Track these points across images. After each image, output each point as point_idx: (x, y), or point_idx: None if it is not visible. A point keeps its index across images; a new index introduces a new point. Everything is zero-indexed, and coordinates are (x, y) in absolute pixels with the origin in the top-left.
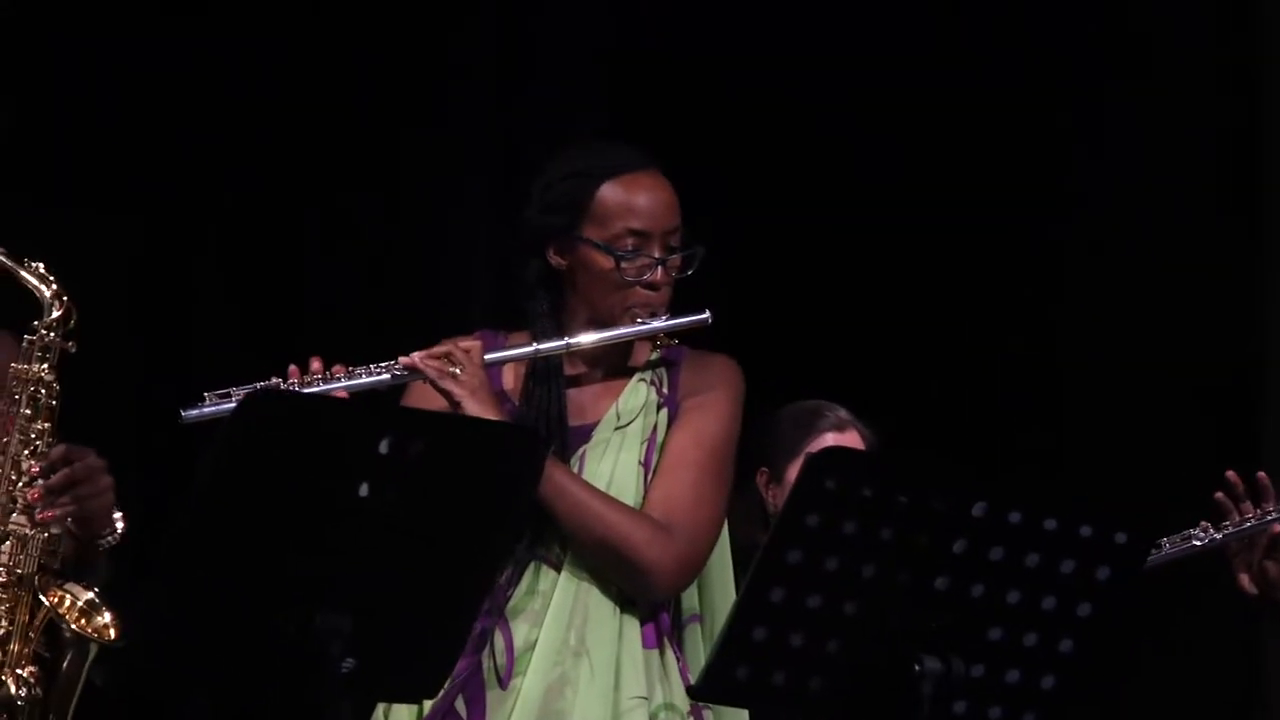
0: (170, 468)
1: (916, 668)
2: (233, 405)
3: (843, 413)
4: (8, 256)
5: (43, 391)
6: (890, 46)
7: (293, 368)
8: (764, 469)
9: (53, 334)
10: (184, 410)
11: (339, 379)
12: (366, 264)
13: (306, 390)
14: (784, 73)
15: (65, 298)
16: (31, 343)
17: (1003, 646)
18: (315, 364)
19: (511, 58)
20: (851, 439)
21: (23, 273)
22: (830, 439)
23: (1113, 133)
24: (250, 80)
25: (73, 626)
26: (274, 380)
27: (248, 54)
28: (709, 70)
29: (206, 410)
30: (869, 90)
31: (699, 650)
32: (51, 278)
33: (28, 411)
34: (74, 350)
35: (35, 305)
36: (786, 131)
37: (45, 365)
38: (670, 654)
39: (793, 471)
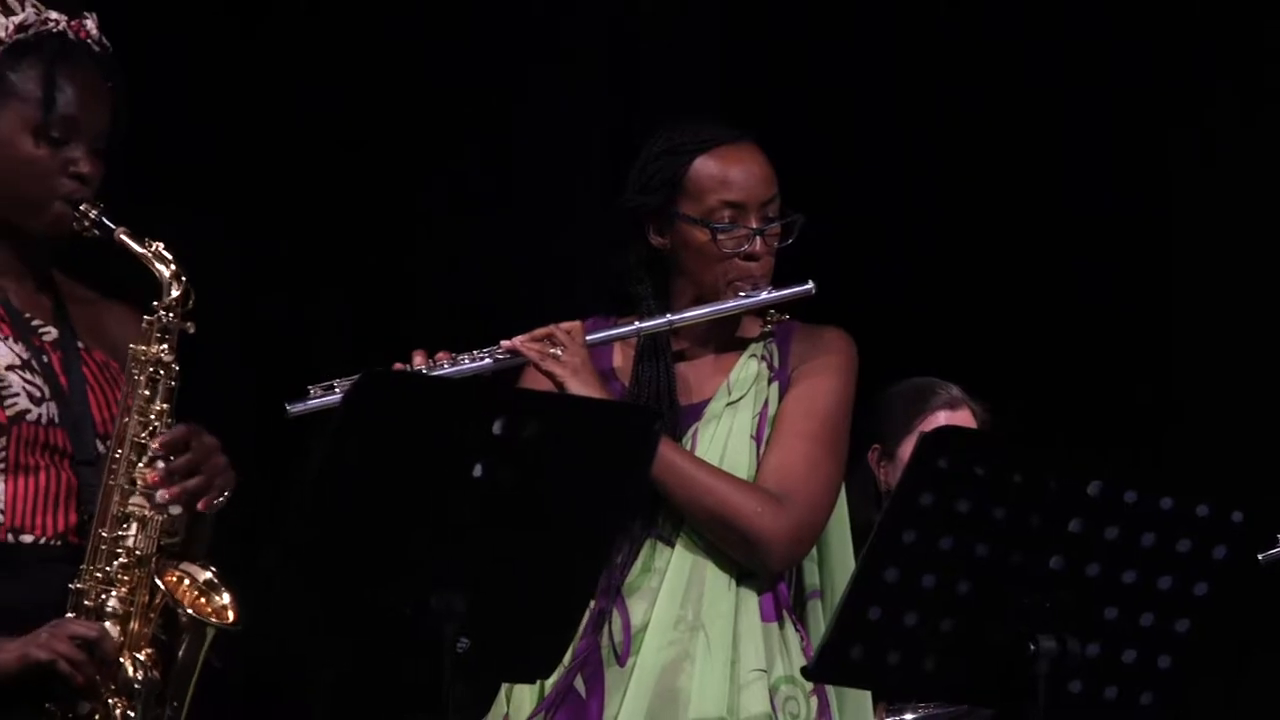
0: (278, 461)
1: (1032, 647)
2: (338, 397)
3: (955, 390)
4: (129, 236)
5: (161, 372)
6: (997, 28)
7: (397, 365)
8: (876, 446)
9: (172, 315)
10: (290, 404)
11: (443, 365)
12: (476, 250)
13: None
14: (897, 45)
15: (184, 278)
16: (150, 323)
17: (1119, 626)
18: (418, 359)
19: (622, 36)
20: (964, 417)
21: (143, 253)
22: (943, 417)
23: (1222, 110)
24: (358, 63)
25: (189, 611)
26: (378, 370)
27: (357, 34)
28: (818, 44)
29: (312, 403)
30: (980, 67)
31: (820, 626)
32: (170, 258)
33: (146, 392)
34: (192, 331)
35: (155, 285)
36: (898, 103)
37: (164, 346)
38: (790, 627)
39: (905, 448)
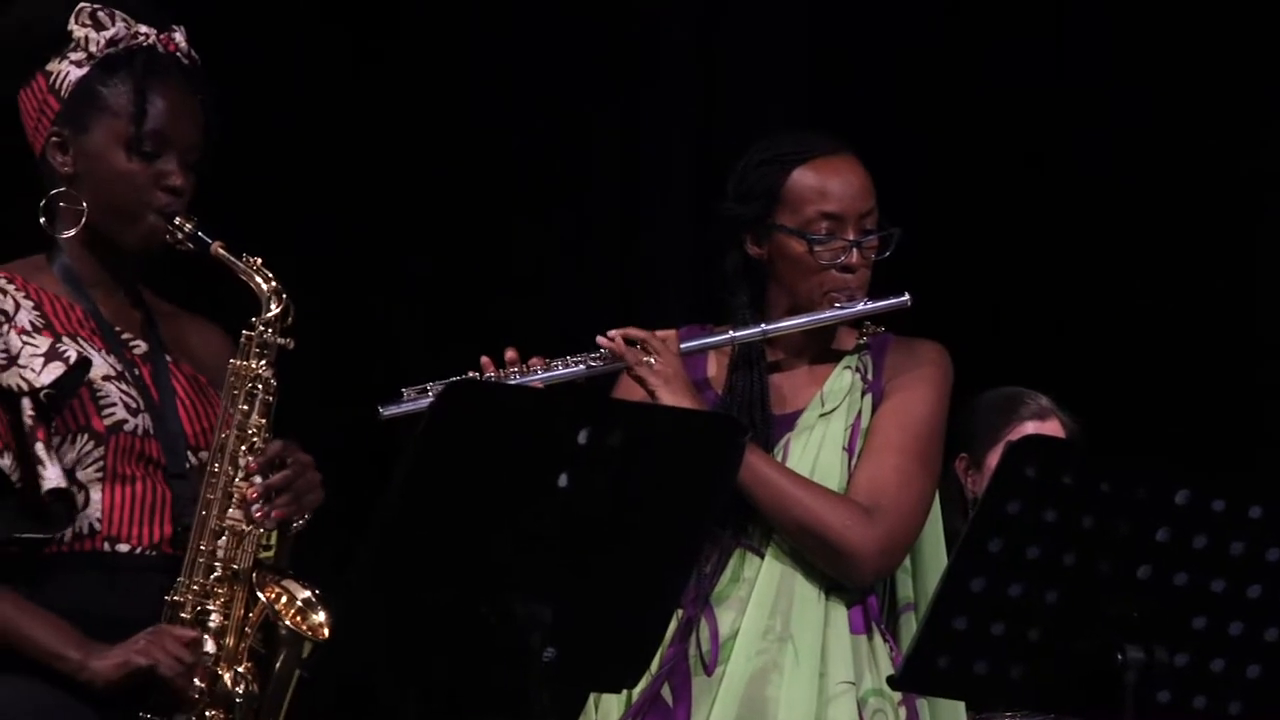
0: (371, 465)
1: (1120, 657)
2: (431, 400)
3: (1044, 400)
4: (228, 251)
5: (260, 388)
6: (1085, 34)
7: (485, 359)
8: (963, 455)
9: (271, 330)
10: (382, 407)
11: (536, 370)
12: (568, 258)
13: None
14: (993, 54)
15: (284, 294)
16: (249, 339)
17: (1207, 635)
18: (510, 354)
19: (711, 47)
20: (1053, 427)
21: (242, 268)
22: (1031, 427)
23: None
24: (440, 70)
25: (288, 624)
26: (471, 373)
27: (440, 42)
28: (910, 54)
29: (405, 406)
30: (1072, 75)
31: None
32: (270, 274)
33: (244, 407)
34: (291, 347)
35: (254, 301)
36: (991, 114)
37: (263, 362)
38: (880, 639)
39: (993, 458)
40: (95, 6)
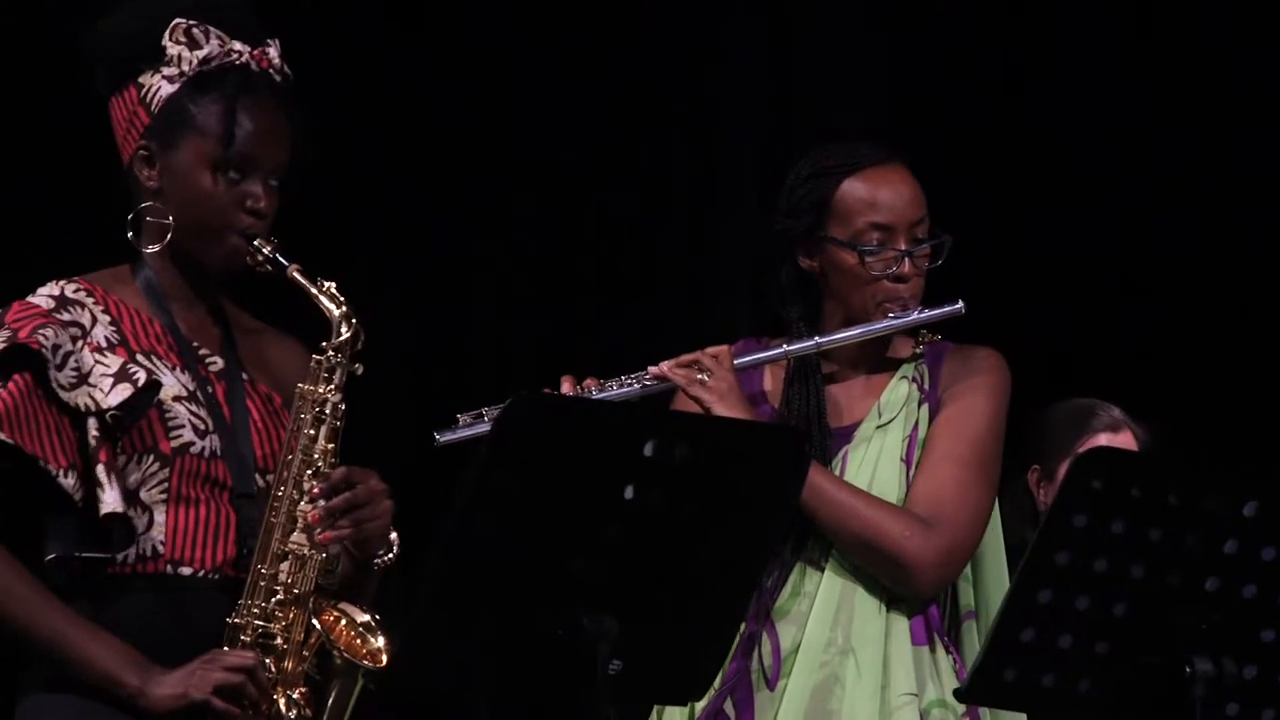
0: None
1: (1188, 670)
2: (487, 426)
3: (1117, 412)
4: (302, 275)
5: (327, 412)
6: (1160, 37)
7: (545, 390)
8: (1036, 467)
9: (340, 355)
10: (438, 433)
11: (590, 391)
12: (636, 271)
13: None
14: (1053, 55)
15: (355, 319)
16: (319, 363)
17: (1276, 648)
18: (566, 385)
19: (782, 55)
20: (1125, 439)
21: (315, 292)
22: (1103, 439)
23: None
24: (510, 86)
25: (344, 653)
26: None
27: (509, 57)
28: (983, 58)
29: (461, 432)
30: (1139, 77)
31: (975, 647)
32: (342, 298)
33: (311, 431)
34: (361, 372)
35: (325, 325)
36: (1064, 119)
37: (332, 386)
38: (942, 650)
39: (1064, 469)
40: (190, 23)
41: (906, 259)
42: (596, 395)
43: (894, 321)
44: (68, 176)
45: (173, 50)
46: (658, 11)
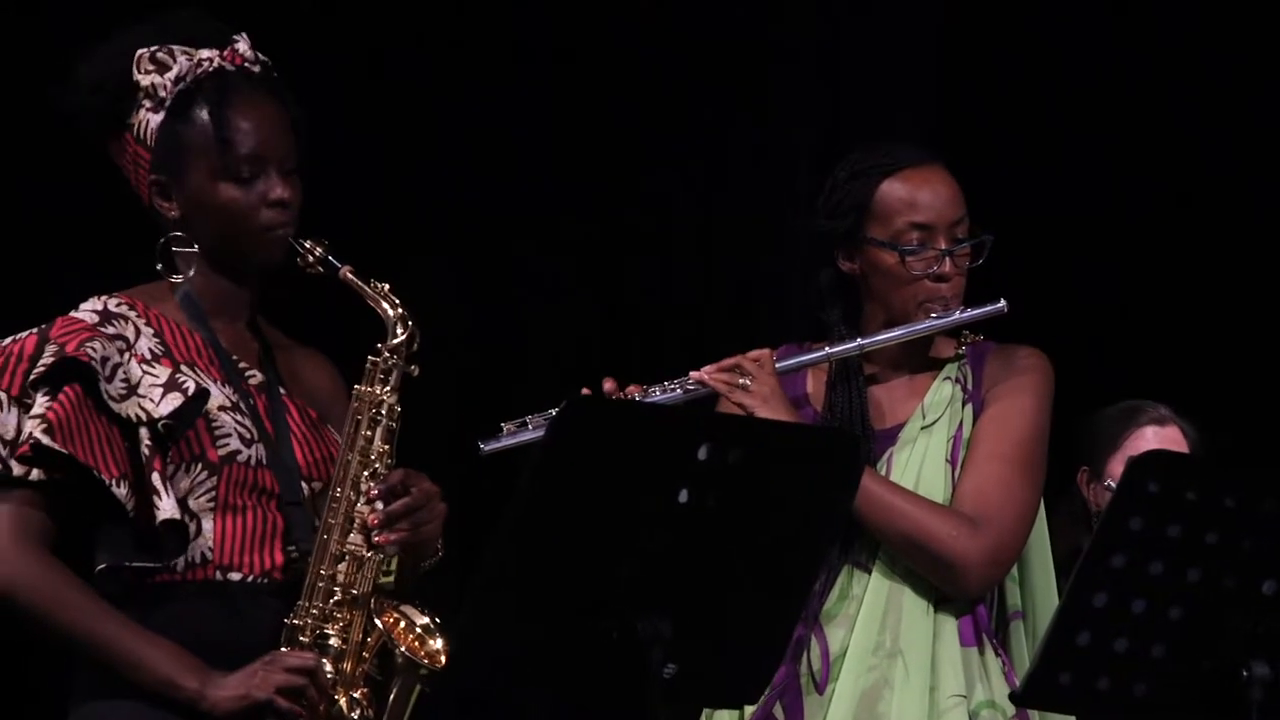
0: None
1: (1244, 673)
2: (532, 434)
3: (1163, 409)
4: (357, 276)
5: (383, 413)
6: (1201, 37)
7: (585, 391)
8: (1084, 467)
9: (396, 357)
10: (483, 442)
11: (633, 396)
12: (686, 273)
13: None
14: (1105, 59)
15: (410, 321)
16: (375, 364)
17: None
18: (608, 385)
19: (834, 56)
20: (1172, 434)
21: (370, 293)
22: (1150, 434)
23: None
24: (563, 87)
25: (405, 651)
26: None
27: (567, 54)
28: (1030, 60)
29: (505, 441)
30: (1180, 75)
31: (1022, 648)
32: (397, 300)
33: (368, 433)
34: (416, 374)
35: (380, 327)
36: (1105, 118)
37: (388, 388)
38: (991, 652)
39: (1112, 464)
40: (152, 49)
41: (947, 258)
42: (638, 400)
43: (936, 321)
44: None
45: (145, 81)
46: (712, 10)
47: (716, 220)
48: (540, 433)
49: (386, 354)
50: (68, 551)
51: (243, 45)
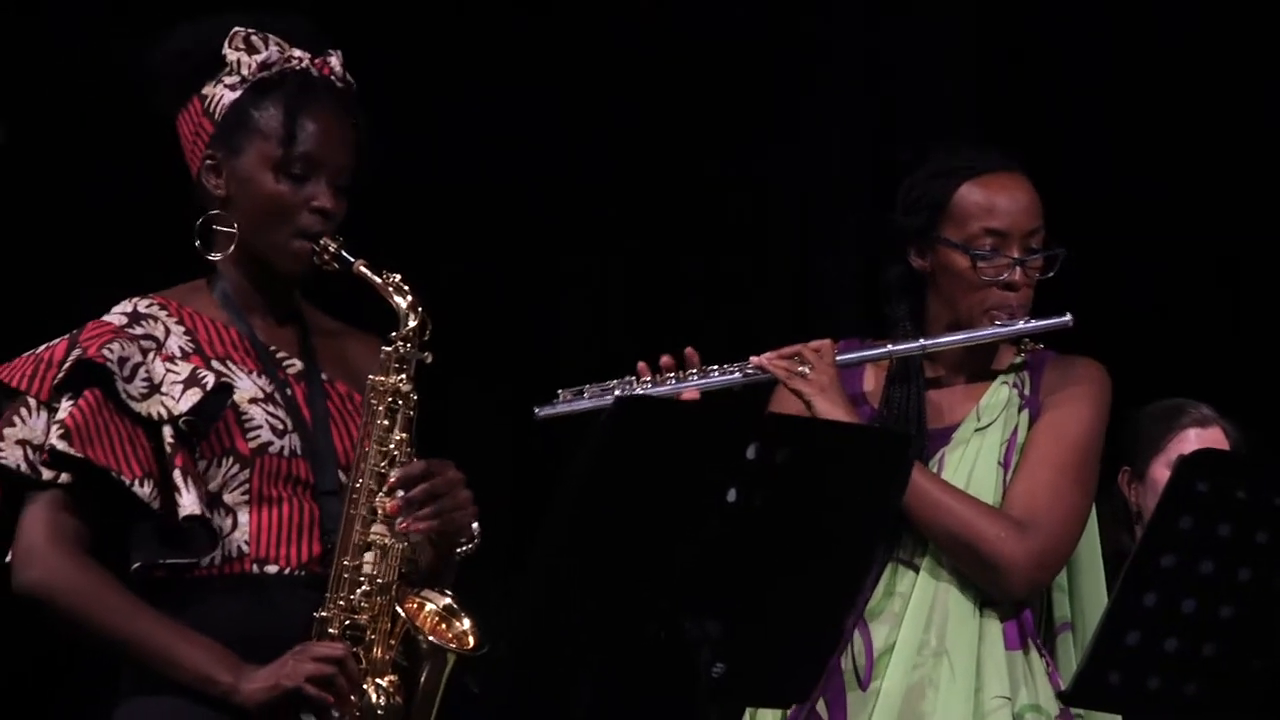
0: (529, 464)
1: None
2: (587, 403)
3: (1205, 409)
4: (368, 268)
5: (400, 402)
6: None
7: (642, 365)
8: (1126, 468)
9: (409, 345)
10: (538, 408)
11: (692, 375)
12: (737, 264)
13: (659, 389)
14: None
15: (421, 309)
16: (389, 354)
17: None
18: (665, 360)
19: (880, 54)
20: (1215, 435)
21: (381, 283)
22: (1192, 434)
23: None
24: (625, 81)
25: (430, 637)
26: (627, 377)
27: (611, 54)
28: (1079, 64)
29: (560, 408)
30: (1243, 85)
31: (1070, 659)
32: (408, 289)
33: (385, 422)
34: (430, 361)
35: (392, 316)
36: (1160, 128)
37: (403, 376)
38: (1036, 655)
39: (1155, 468)
40: (249, 31)
41: (1018, 267)
42: (697, 380)
43: (1000, 329)
44: (150, 195)
45: (233, 57)
46: (760, 13)
47: (764, 221)
48: (595, 403)
49: (400, 343)
50: (108, 551)
51: (335, 60)
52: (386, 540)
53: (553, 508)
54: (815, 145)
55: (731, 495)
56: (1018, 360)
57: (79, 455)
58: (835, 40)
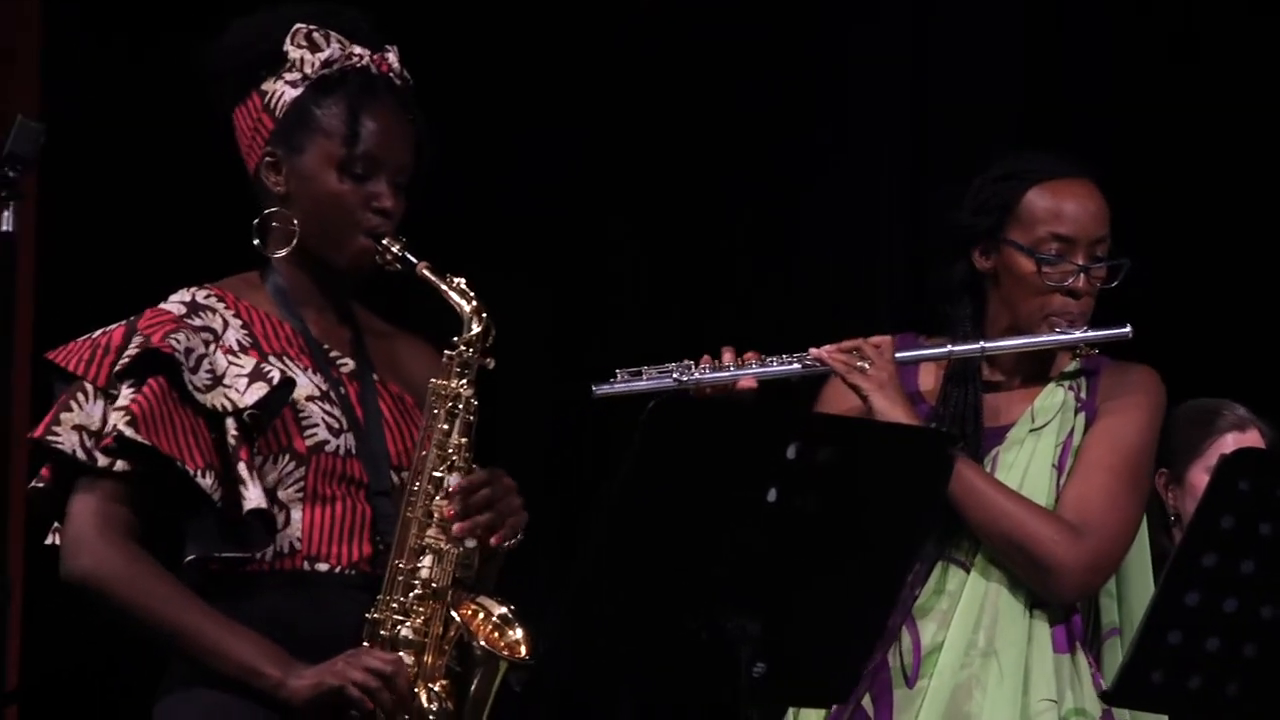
0: (584, 444)
1: None
2: (644, 384)
3: (1242, 410)
4: (431, 270)
5: (460, 407)
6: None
7: (705, 356)
8: (1163, 470)
9: (472, 350)
10: (595, 386)
11: (751, 365)
12: (779, 262)
13: (717, 375)
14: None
15: (485, 314)
16: (451, 358)
17: None
18: (726, 356)
19: (921, 55)
20: (1252, 438)
21: (445, 288)
22: (1230, 439)
23: None
24: (659, 80)
25: (483, 643)
26: (686, 361)
27: (656, 52)
28: (1126, 70)
29: (618, 387)
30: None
31: (1117, 664)
32: (472, 293)
33: (445, 426)
34: (492, 367)
35: (456, 320)
36: (1212, 135)
37: (464, 381)
38: (1082, 658)
39: (1193, 472)
40: (311, 28)
41: (1082, 274)
42: (756, 368)
43: (1060, 337)
44: (202, 185)
45: (294, 54)
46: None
47: (803, 221)
48: (653, 384)
49: (462, 347)
50: (158, 542)
51: (393, 56)
52: (442, 545)
53: (595, 510)
54: (853, 137)
55: (772, 495)
56: (1073, 365)
57: (146, 443)
58: (877, 40)
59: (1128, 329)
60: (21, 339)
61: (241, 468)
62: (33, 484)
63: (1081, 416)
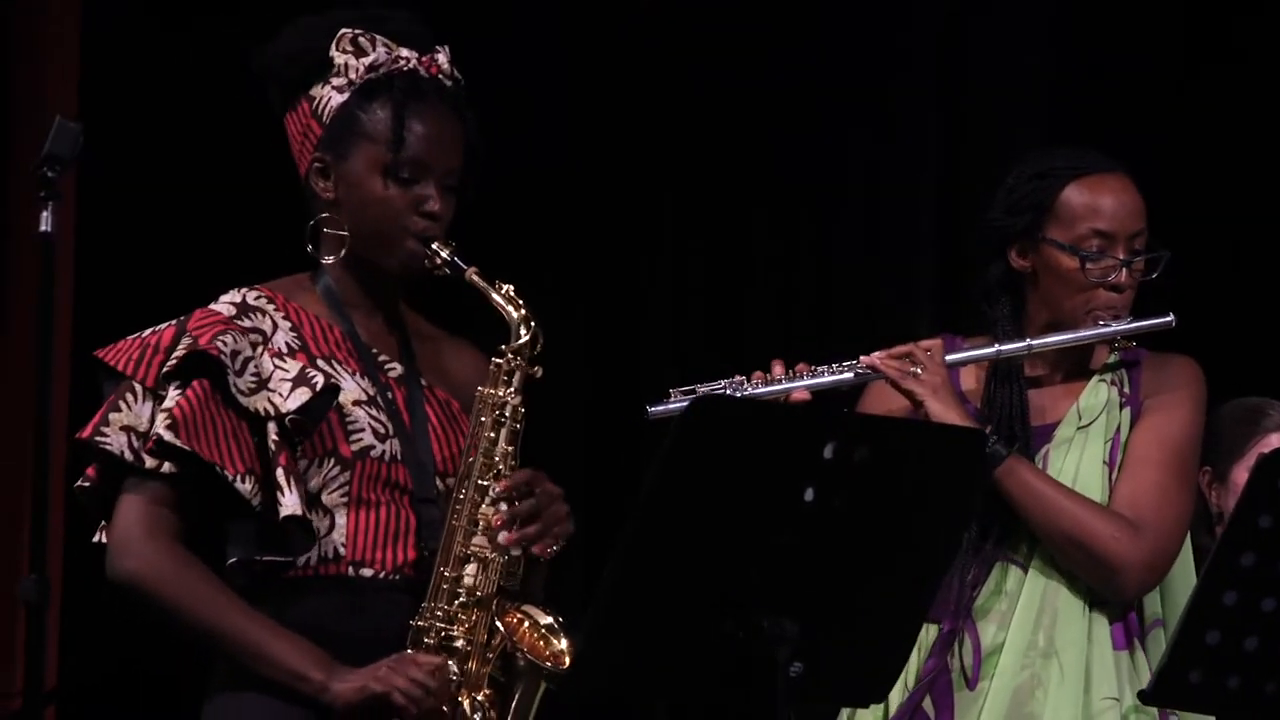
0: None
1: None
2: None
3: None
4: (480, 276)
5: (507, 415)
6: None
7: (757, 373)
8: (1206, 469)
9: (519, 358)
10: (650, 407)
11: (802, 377)
12: (813, 268)
13: (770, 388)
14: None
15: (533, 322)
16: (499, 366)
17: None
18: (777, 369)
19: (953, 58)
20: None
21: (494, 295)
22: (1275, 439)
23: None
24: (698, 88)
25: (528, 654)
26: (737, 378)
27: (687, 58)
28: (1157, 67)
29: (673, 406)
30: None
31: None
32: (521, 301)
33: (491, 434)
34: (540, 376)
35: (504, 328)
36: (1244, 128)
37: (511, 389)
38: (1141, 655)
39: (1237, 471)
40: (357, 32)
41: (1124, 269)
42: (807, 379)
43: (1104, 330)
44: (239, 185)
45: (340, 60)
46: (835, 12)
47: (838, 223)
48: None
49: (510, 355)
50: (201, 544)
51: (442, 57)
52: (488, 553)
53: (632, 510)
54: (887, 140)
55: (809, 495)
56: (1113, 357)
57: (185, 448)
58: (911, 40)
59: (1170, 318)
60: (60, 340)
61: (280, 474)
62: (79, 483)
63: (1127, 411)
